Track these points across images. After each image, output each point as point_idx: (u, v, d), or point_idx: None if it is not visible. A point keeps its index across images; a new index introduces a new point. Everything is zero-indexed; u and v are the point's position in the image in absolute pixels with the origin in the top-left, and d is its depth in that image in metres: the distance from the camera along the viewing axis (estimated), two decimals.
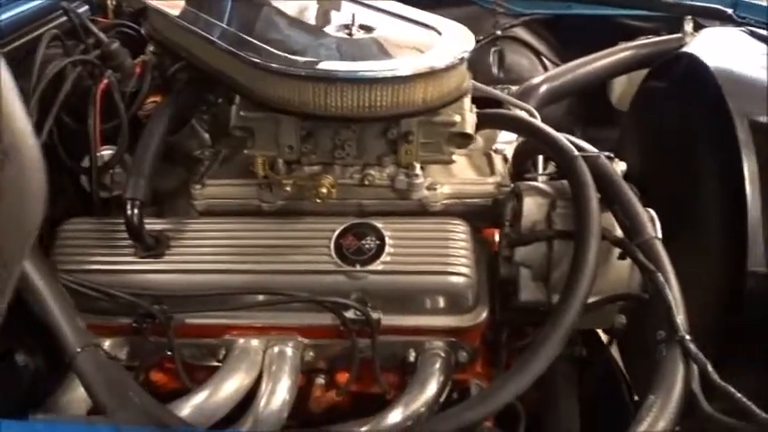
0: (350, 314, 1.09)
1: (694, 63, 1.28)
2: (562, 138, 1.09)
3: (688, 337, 0.84)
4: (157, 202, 1.32)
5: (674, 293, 0.90)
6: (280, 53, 1.02)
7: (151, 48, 1.30)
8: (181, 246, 1.13)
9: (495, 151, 1.26)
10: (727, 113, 1.13)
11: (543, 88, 1.53)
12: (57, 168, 1.23)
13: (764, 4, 1.97)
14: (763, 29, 1.70)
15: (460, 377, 1.17)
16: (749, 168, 1.10)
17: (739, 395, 0.77)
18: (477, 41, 2.04)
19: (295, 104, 1.00)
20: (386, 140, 1.10)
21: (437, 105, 1.04)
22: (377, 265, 1.08)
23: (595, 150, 1.08)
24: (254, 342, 1.14)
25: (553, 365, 1.31)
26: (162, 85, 1.21)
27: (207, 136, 1.29)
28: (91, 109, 1.16)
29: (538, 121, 1.13)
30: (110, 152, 1.19)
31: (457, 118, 1.10)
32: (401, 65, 1.00)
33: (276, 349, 1.13)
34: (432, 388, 1.09)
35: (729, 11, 1.82)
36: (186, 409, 1.06)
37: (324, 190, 1.08)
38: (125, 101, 1.16)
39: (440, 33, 1.12)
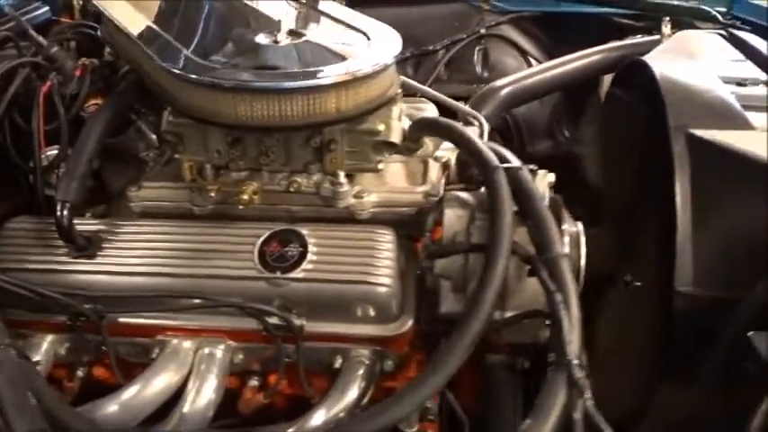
0: (274, 320, 1.10)
1: (643, 71, 1.24)
2: (486, 148, 1.07)
3: (576, 361, 0.83)
4: (107, 201, 1.35)
5: (570, 314, 0.88)
6: (202, 62, 1.03)
7: (108, 50, 1.33)
8: (112, 247, 1.15)
9: (435, 158, 1.24)
10: (664, 125, 1.10)
11: (505, 91, 1.50)
12: (8, 167, 1.27)
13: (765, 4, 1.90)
14: (755, 31, 1.65)
15: (391, 384, 1.17)
16: (681, 183, 1.06)
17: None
18: (461, 40, 2.04)
19: (211, 114, 1.01)
20: (311, 148, 1.10)
21: (353, 114, 1.03)
22: (297, 273, 1.09)
23: (518, 163, 1.06)
24: (186, 343, 1.16)
25: (497, 377, 1.32)
26: (104, 87, 1.23)
27: (154, 137, 1.30)
28: (35, 110, 1.19)
29: (463, 129, 1.11)
30: (56, 152, 1.22)
31: (381, 127, 1.09)
32: (314, 75, 0.99)
33: (206, 350, 1.15)
34: (352, 393, 1.09)
35: (714, 12, 1.76)
36: (113, 405, 1.09)
37: (245, 197, 1.09)
38: (65, 102, 1.19)
39: (368, 39, 1.11)
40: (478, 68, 2.08)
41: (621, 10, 1.95)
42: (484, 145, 1.08)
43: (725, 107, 1.13)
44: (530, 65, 2.07)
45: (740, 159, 1.02)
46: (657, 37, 1.67)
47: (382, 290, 1.07)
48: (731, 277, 0.99)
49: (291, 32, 1.11)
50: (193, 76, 0.98)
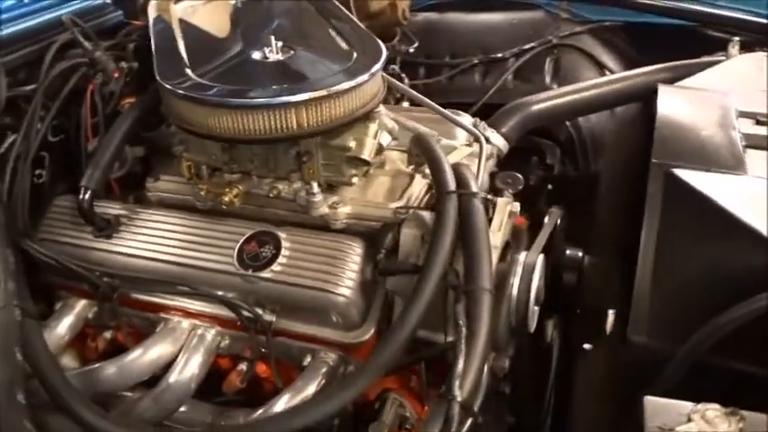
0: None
1: (650, 102, 1.17)
2: (448, 171, 1.08)
3: (459, 399, 0.83)
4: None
5: (472, 351, 0.88)
6: (192, 78, 1.12)
7: None
8: (126, 230, 1.31)
9: (425, 174, 1.26)
10: (646, 163, 1.04)
11: (531, 109, 1.47)
12: (68, 153, 1.47)
13: None
14: None
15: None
16: (648, 225, 1.01)
17: None
18: (531, 48, 2.00)
19: (187, 123, 1.12)
20: (292, 158, 1.17)
21: (320, 130, 1.08)
22: (266, 273, 1.17)
23: (475, 190, 1.05)
24: (185, 323, 1.29)
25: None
26: (138, 89, 1.38)
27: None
28: (84, 104, 1.38)
29: (437, 149, 1.12)
30: None
31: (352, 143, 1.14)
32: (284, 92, 1.06)
33: (199, 331, 1.28)
34: (310, 390, 1.16)
35: None
36: (112, 368, 1.25)
37: (227, 198, 1.19)
38: (104, 100, 1.36)
39: (353, 55, 1.16)
40: (548, 79, 2.03)
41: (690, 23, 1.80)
42: (449, 167, 1.09)
43: (721, 147, 1.04)
44: None
45: (712, 207, 0.95)
46: (721, 57, 1.54)
47: (340, 299, 1.13)
48: (686, 332, 0.93)
49: (285, 48, 1.18)
50: (180, 91, 1.08)
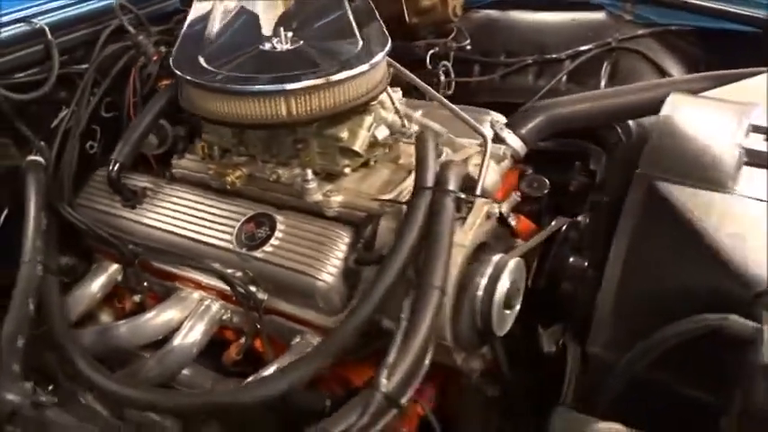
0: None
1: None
2: (430, 168, 1.08)
3: (384, 390, 0.85)
4: None
5: (408, 344, 0.89)
6: (203, 66, 1.19)
7: None
8: (148, 202, 1.41)
9: None
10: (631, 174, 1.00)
11: (551, 113, 1.42)
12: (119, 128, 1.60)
13: None
14: None
15: (343, 373, 1.26)
16: (620, 236, 0.97)
17: None
18: (589, 50, 1.94)
19: (195, 108, 1.19)
20: (290, 145, 1.22)
21: (305, 119, 1.12)
22: (258, 253, 1.23)
23: (451, 187, 1.05)
24: (195, 294, 1.38)
25: (468, 401, 1.33)
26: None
27: None
28: (129, 84, 1.50)
29: (427, 146, 1.13)
30: None
31: (344, 134, 1.17)
32: (270, 81, 1.11)
33: (206, 303, 1.36)
34: None
35: None
36: (125, 327, 1.37)
37: (229, 179, 1.26)
38: (143, 82, 1.47)
39: (357, 47, 1.18)
40: (603, 83, 1.94)
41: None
42: (432, 165, 1.10)
43: (715, 163, 0.98)
44: None
45: (687, 225, 0.90)
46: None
47: (321, 284, 1.16)
48: None
49: (293, 38, 1.23)
50: (187, 77, 1.16)
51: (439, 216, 1.02)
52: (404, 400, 0.89)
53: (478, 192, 1.18)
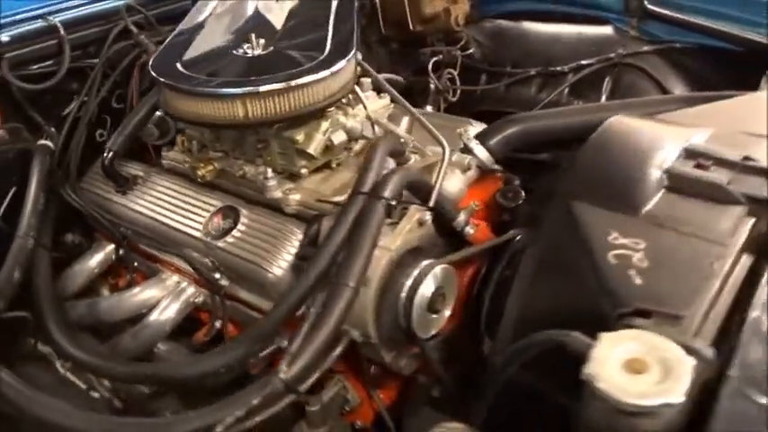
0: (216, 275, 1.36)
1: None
2: (371, 173, 1.14)
3: (283, 376, 0.92)
4: None
5: (313, 337, 0.96)
6: (177, 70, 1.28)
7: None
8: (138, 189, 1.53)
9: None
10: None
11: (519, 127, 1.45)
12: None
13: None
14: None
15: None
16: (529, 255, 1.01)
17: None
18: (590, 64, 1.95)
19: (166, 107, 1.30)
20: (254, 144, 1.31)
21: (260, 122, 1.20)
22: (221, 243, 1.33)
23: (385, 194, 1.11)
24: (175, 277, 1.49)
25: (417, 398, 1.39)
26: None
27: None
28: (133, 78, 1.63)
29: (379, 151, 1.19)
30: None
31: (300, 137, 1.24)
32: (228, 85, 1.19)
33: (182, 285, 1.47)
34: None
35: None
36: (112, 300, 1.50)
37: (200, 172, 1.36)
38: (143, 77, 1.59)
39: (321, 55, 1.25)
40: (604, 98, 1.95)
41: None
42: (375, 171, 1.16)
43: (632, 186, 1.00)
44: None
45: (584, 244, 0.93)
46: (756, 93, 1.41)
47: (271, 276, 1.24)
48: None
49: (265, 44, 1.31)
50: (160, 78, 1.26)
51: (364, 219, 1.08)
52: (302, 388, 0.96)
53: (433, 199, 1.24)
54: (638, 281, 0.83)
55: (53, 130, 1.61)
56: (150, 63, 1.30)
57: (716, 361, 0.71)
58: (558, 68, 2.02)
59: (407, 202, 1.13)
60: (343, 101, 1.37)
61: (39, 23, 1.57)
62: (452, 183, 1.38)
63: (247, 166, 1.34)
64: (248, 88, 1.17)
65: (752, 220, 0.93)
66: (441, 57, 2.05)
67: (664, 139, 1.10)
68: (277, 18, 1.50)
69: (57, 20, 1.58)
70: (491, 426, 0.88)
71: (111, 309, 1.50)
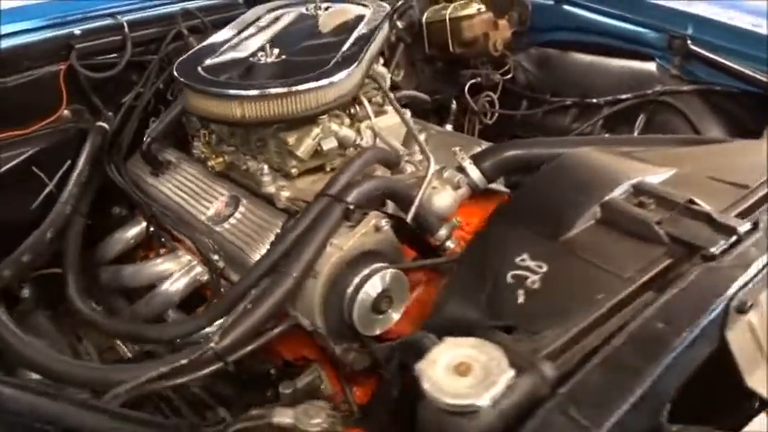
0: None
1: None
2: (342, 178, 1.24)
3: (213, 345, 1.04)
4: None
5: (248, 314, 1.08)
6: (197, 73, 1.43)
7: None
8: (168, 173, 1.71)
9: None
10: None
11: (512, 153, 1.50)
12: None
13: None
14: None
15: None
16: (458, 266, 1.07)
17: None
18: (625, 99, 1.96)
19: (189, 107, 1.45)
20: (254, 142, 1.45)
21: (254, 122, 1.33)
22: (218, 228, 1.47)
23: (347, 199, 1.20)
24: (188, 255, 1.66)
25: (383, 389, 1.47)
26: None
27: None
28: None
29: (354, 161, 1.28)
30: None
31: (291, 139, 1.37)
32: (231, 87, 1.33)
33: (193, 263, 1.63)
34: None
35: None
36: (133, 268, 1.69)
37: (210, 163, 1.51)
38: None
39: (326, 66, 1.37)
40: (635, 134, 1.95)
41: None
42: (346, 176, 1.26)
43: (564, 215, 1.04)
44: None
45: (493, 267, 0.99)
46: (752, 141, 1.38)
47: (251, 261, 1.37)
48: None
49: (279, 53, 1.45)
50: (182, 79, 1.41)
51: (320, 217, 1.18)
52: (230, 359, 1.07)
53: (412, 211, 1.32)
54: (520, 300, 0.88)
55: (111, 114, 1.83)
56: (176, 64, 1.46)
57: (553, 380, 0.75)
58: (594, 100, 2.03)
59: (367, 208, 1.22)
60: (351, 110, 1.49)
61: (108, 21, 1.80)
62: (442, 198, 1.45)
63: (251, 162, 1.47)
64: (244, 91, 1.30)
65: (668, 261, 0.95)
66: (479, 79, 2.11)
67: (616, 174, 1.13)
68: (305, 29, 1.65)
69: (123, 19, 1.80)
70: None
71: (132, 275, 1.69)
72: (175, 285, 1.61)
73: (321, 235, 1.16)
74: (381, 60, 1.77)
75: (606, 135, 1.56)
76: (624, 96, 1.96)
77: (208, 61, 1.45)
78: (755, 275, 0.89)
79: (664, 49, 1.94)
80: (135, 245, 1.83)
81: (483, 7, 2.06)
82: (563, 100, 2.08)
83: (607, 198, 1.05)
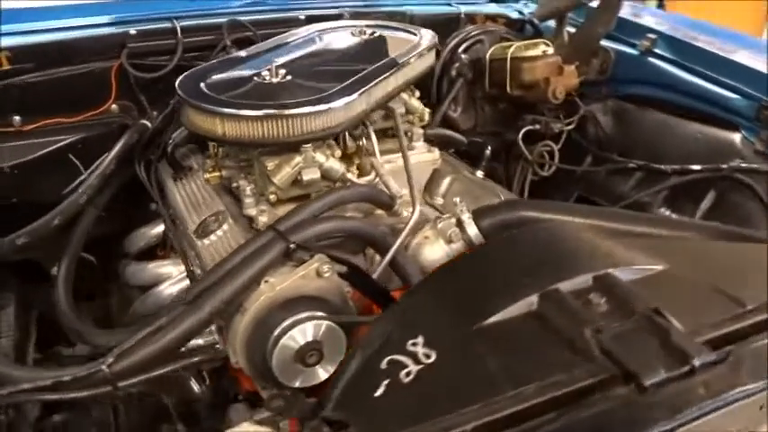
0: None
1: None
2: (296, 216, 1.17)
3: (105, 365, 1.00)
4: None
5: (145, 344, 1.02)
6: (198, 90, 1.41)
7: None
8: (185, 178, 1.71)
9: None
10: None
11: (519, 214, 1.33)
12: None
13: None
14: None
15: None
16: None
17: None
18: (695, 171, 1.72)
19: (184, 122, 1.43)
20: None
21: (233, 142, 1.29)
22: (199, 242, 1.44)
23: (293, 238, 1.12)
24: None
25: None
26: None
27: None
28: None
29: (329, 194, 1.22)
30: None
31: (270, 165, 1.30)
32: (213, 102, 1.29)
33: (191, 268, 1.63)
34: None
35: None
36: (134, 267, 1.72)
37: (206, 176, 1.49)
38: None
39: (319, 95, 1.31)
40: (699, 213, 1.70)
41: None
42: (303, 214, 1.19)
43: (492, 299, 0.89)
44: None
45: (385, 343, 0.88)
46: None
47: None
48: None
49: (285, 74, 1.40)
50: (184, 96, 1.38)
51: (257, 254, 1.11)
52: (121, 384, 1.02)
53: (387, 259, 1.22)
54: (377, 392, 0.75)
55: (156, 114, 1.88)
56: (182, 76, 1.45)
57: None
58: (663, 167, 1.79)
59: (313, 250, 1.13)
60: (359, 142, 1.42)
61: (162, 24, 1.85)
62: (433, 251, 1.34)
63: (242, 181, 1.43)
64: (224, 109, 1.26)
65: (586, 381, 0.78)
66: (538, 126, 1.94)
67: (580, 260, 0.96)
68: (331, 53, 1.59)
69: (179, 24, 1.84)
70: None
71: (133, 274, 1.72)
72: (169, 290, 1.62)
73: (251, 271, 1.09)
74: (417, 93, 1.68)
75: (639, 213, 1.34)
76: (696, 167, 1.71)
77: (214, 77, 1.43)
78: (682, 425, 0.70)
79: (751, 119, 1.67)
80: (156, 243, 1.86)
81: (551, 50, 1.89)
82: (627, 161, 1.85)
83: (553, 287, 0.89)
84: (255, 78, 1.40)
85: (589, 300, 0.88)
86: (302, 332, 1.09)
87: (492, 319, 0.85)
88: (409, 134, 1.64)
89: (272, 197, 1.34)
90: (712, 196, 1.68)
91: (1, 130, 1.74)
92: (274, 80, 1.39)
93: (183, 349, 1.19)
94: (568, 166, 1.95)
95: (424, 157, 1.64)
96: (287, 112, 1.25)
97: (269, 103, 1.27)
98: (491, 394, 0.74)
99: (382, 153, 1.46)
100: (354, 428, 0.70)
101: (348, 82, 1.37)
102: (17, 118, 1.75)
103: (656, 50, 1.90)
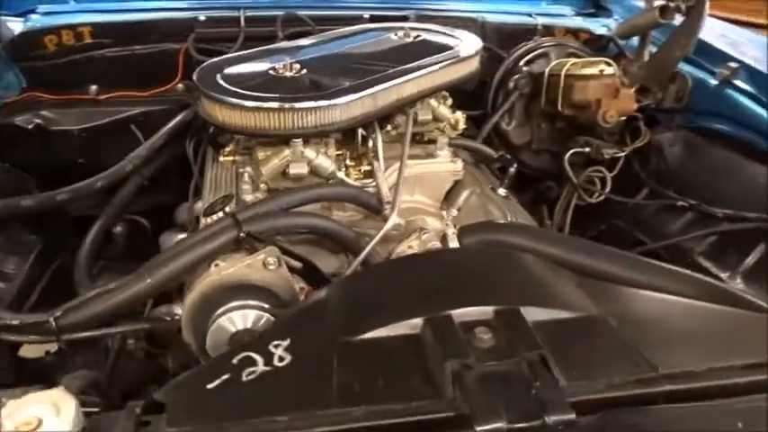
0: None
1: None
2: (266, 206, 1.21)
3: (49, 319, 1.09)
4: None
5: (89, 304, 1.10)
6: (225, 86, 1.45)
7: None
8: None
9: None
10: None
11: (505, 239, 1.25)
12: None
13: None
14: None
15: None
16: None
17: None
18: (748, 219, 1.56)
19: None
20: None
21: (231, 130, 1.34)
22: (203, 220, 1.50)
23: (246, 229, 1.15)
24: None
25: None
26: None
27: None
28: None
29: (299, 191, 1.25)
30: None
31: (261, 155, 1.34)
32: (229, 94, 1.34)
33: None
34: None
35: None
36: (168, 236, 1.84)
37: (221, 159, 1.56)
38: None
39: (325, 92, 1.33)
40: (742, 267, 1.52)
41: None
42: (273, 204, 1.22)
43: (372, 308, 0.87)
44: None
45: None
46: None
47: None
48: None
49: (300, 67, 1.43)
50: (197, 82, 1.43)
51: (211, 238, 1.15)
52: (65, 337, 1.10)
53: (359, 260, 1.23)
54: (210, 385, 0.76)
55: None
56: (204, 64, 1.51)
57: None
58: (715, 210, 1.62)
59: (264, 242, 1.15)
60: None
61: (228, 13, 1.95)
62: None
63: (248, 166, 1.48)
64: (224, 97, 1.32)
65: (429, 416, 0.73)
66: (587, 150, 1.83)
67: (493, 291, 0.91)
68: (363, 52, 1.60)
69: (243, 14, 1.94)
70: None
71: (164, 241, 1.79)
72: None
73: (197, 253, 1.13)
74: (449, 101, 1.64)
75: (634, 257, 1.18)
76: (751, 215, 1.53)
77: (230, 70, 1.48)
78: None
79: None
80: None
81: (610, 69, 1.76)
82: (677, 198, 1.69)
83: (445, 313, 0.85)
84: (270, 72, 1.44)
85: (474, 333, 0.82)
86: (242, 317, 1.12)
87: (366, 336, 0.83)
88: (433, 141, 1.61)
89: (263, 186, 1.38)
90: (762, 250, 1.49)
91: (78, 97, 1.94)
92: (288, 74, 1.43)
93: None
94: (616, 196, 1.81)
95: (444, 166, 1.59)
96: (278, 105, 1.28)
97: (265, 95, 1.30)
98: (315, 408, 0.72)
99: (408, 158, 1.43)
100: (168, 414, 0.71)
101: (357, 82, 1.37)
102: (94, 87, 1.94)
103: (736, 81, 1.71)
